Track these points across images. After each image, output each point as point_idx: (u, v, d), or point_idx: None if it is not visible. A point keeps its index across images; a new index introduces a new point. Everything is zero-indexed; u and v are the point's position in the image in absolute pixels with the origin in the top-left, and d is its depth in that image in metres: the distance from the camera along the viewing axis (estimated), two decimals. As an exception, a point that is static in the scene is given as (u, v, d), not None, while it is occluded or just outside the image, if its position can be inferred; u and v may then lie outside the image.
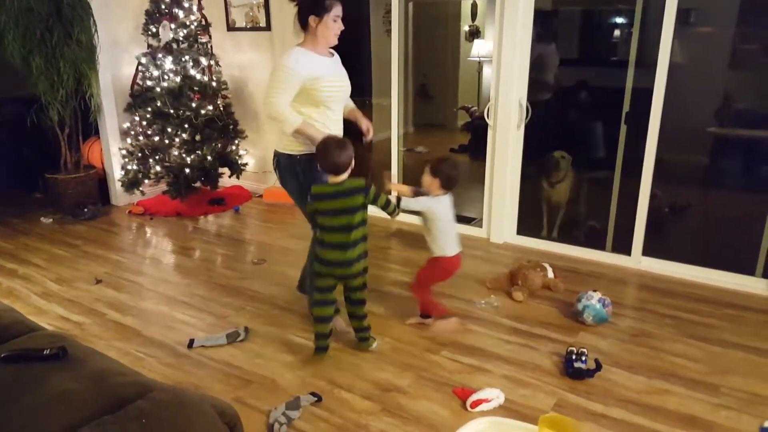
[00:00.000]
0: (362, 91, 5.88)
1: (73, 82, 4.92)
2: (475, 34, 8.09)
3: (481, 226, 4.63)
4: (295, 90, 2.83)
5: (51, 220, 5.18)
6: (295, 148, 2.94)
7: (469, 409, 2.53)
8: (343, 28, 2.94)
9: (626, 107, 4.05)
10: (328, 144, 2.75)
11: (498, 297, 3.59)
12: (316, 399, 2.60)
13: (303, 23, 2.91)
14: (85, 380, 1.83)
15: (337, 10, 2.88)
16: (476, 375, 2.80)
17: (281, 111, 2.82)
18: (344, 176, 2.76)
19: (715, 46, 3.85)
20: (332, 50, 3.06)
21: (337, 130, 3.05)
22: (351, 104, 3.25)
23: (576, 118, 4.57)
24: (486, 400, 2.54)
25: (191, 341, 3.11)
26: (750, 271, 3.73)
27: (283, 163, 3.00)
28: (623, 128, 4.08)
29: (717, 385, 2.71)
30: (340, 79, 3.02)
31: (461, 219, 4.87)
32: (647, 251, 3.99)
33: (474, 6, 8.05)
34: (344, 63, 3.16)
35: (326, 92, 2.89)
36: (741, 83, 3.88)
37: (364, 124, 3.20)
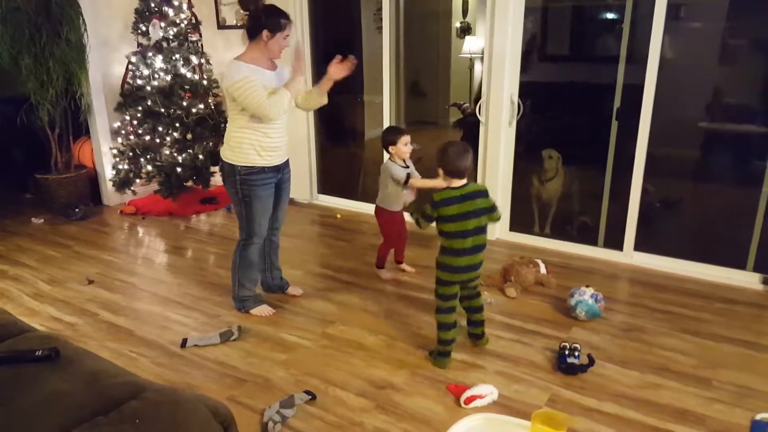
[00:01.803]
0: (354, 88, 5.85)
1: (62, 81, 4.89)
2: (466, 30, 8.10)
3: (473, 223, 4.63)
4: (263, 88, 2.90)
5: (42, 220, 5.15)
6: (237, 159, 3.06)
7: (463, 405, 2.54)
8: (288, 46, 3.05)
9: (617, 103, 4.07)
10: (451, 149, 2.72)
11: (491, 293, 3.59)
12: (310, 397, 2.60)
13: (253, 34, 2.97)
14: (78, 381, 1.82)
15: (289, 30, 3.00)
16: (470, 371, 2.81)
17: (271, 103, 2.90)
18: (465, 181, 2.74)
19: (706, 40, 3.86)
20: (276, 62, 3.11)
21: (283, 135, 3.13)
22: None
23: (567, 115, 4.57)
24: (480, 397, 2.55)
25: (184, 341, 3.10)
26: (741, 265, 3.75)
27: (226, 169, 3.13)
28: (614, 124, 4.09)
29: (709, 379, 2.73)
30: None
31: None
32: (639, 246, 4.02)
33: (465, 2, 8.05)
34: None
35: None
36: (731, 78, 3.90)
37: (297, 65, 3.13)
